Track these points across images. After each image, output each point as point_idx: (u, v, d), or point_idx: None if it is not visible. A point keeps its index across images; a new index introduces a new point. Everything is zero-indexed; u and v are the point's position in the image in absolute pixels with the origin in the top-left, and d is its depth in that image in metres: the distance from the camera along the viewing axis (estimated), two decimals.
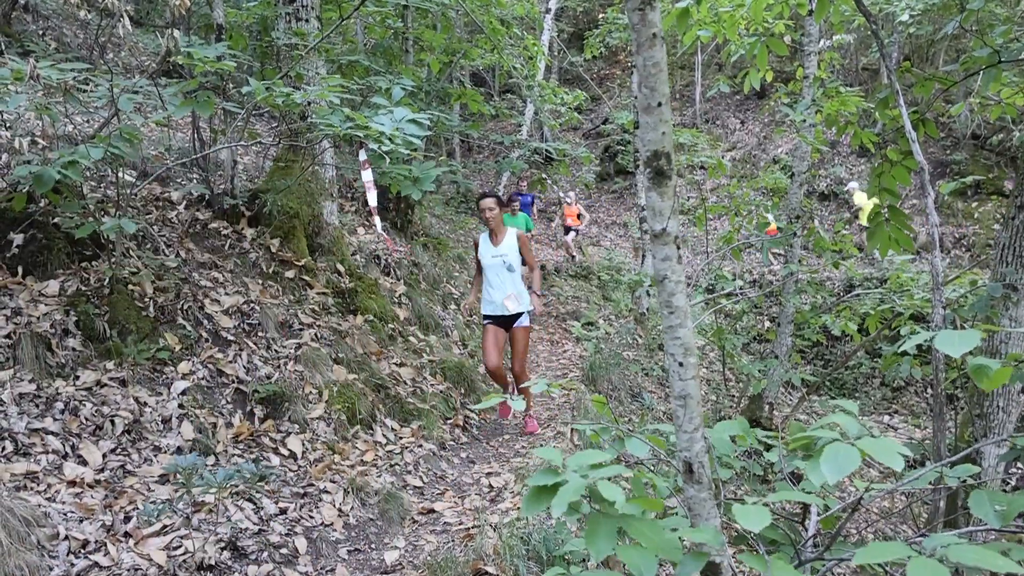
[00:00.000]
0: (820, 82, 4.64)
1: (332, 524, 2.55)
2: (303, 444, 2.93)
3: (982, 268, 7.68)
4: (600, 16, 10.48)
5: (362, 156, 2.39)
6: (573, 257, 10.08)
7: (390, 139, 2.51)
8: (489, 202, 3.65)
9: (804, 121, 4.27)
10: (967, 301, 3.63)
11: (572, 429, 3.26)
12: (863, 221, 9.59)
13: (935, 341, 1.05)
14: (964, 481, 1.27)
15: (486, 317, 3.82)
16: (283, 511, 2.51)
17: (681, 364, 1.12)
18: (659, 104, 1.09)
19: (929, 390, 7.40)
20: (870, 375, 8.03)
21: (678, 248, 1.13)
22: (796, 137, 4.84)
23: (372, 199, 2.89)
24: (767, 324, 8.13)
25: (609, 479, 0.94)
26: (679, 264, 1.13)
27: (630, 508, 0.94)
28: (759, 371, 4.47)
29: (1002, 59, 2.46)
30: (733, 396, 5.30)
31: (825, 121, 4.12)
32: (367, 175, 2.42)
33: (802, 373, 4.71)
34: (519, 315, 3.76)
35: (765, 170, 12.34)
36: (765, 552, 1.08)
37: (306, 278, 4.01)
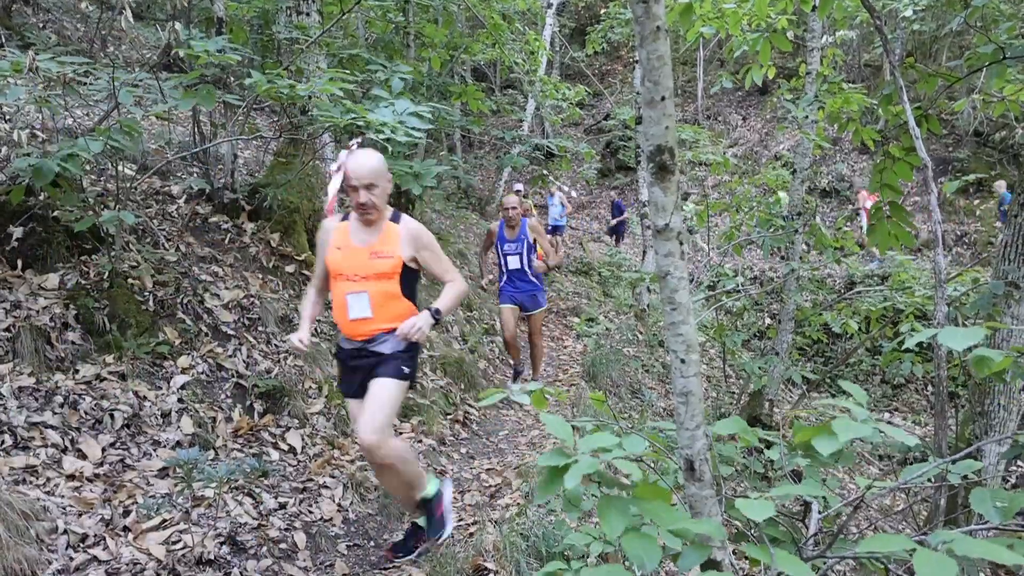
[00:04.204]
0: (823, 78, 4.61)
1: (331, 519, 2.55)
2: (303, 439, 2.93)
3: (984, 266, 7.67)
4: (602, 11, 10.42)
5: (354, 144, 2.24)
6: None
7: (391, 130, 2.50)
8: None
9: (806, 117, 4.24)
10: (969, 299, 3.62)
11: (573, 428, 3.26)
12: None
13: (939, 336, 1.04)
14: (966, 478, 1.27)
15: None
16: (282, 506, 2.51)
17: (683, 361, 1.12)
18: (663, 98, 1.07)
19: (929, 388, 7.41)
20: (871, 372, 8.04)
21: (681, 244, 1.12)
22: (798, 133, 4.81)
23: (334, 186, 2.32)
24: (768, 321, 8.13)
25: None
26: (682, 260, 1.12)
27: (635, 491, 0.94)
28: (759, 368, 4.46)
29: (1006, 56, 2.44)
30: (733, 393, 5.31)
31: (828, 118, 4.11)
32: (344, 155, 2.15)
33: (803, 370, 4.70)
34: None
35: (767, 166, 12.31)
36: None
37: (306, 273, 4.00)
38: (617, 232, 11.19)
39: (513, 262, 4.22)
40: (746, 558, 1.08)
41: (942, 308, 2.20)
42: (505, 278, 4.29)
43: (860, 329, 4.69)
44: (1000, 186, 9.41)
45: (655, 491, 1.00)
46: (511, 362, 4.51)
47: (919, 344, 1.24)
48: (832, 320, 4.72)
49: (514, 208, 4.16)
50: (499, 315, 4.55)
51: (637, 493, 0.96)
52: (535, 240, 4.27)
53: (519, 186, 9.07)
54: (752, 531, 1.32)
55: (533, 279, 4.27)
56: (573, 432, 1.03)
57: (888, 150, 2.81)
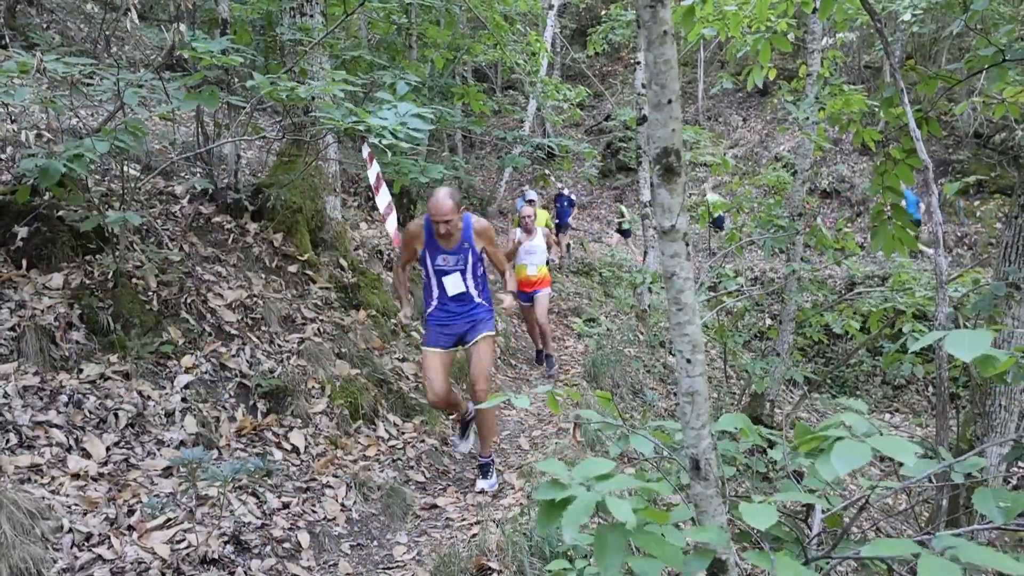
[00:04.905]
0: (823, 80, 4.63)
1: (335, 519, 2.56)
2: (306, 439, 2.94)
3: (984, 267, 7.69)
4: (603, 13, 10.46)
5: (365, 151, 2.36)
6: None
7: (392, 133, 2.51)
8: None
9: (807, 119, 4.26)
10: (970, 300, 3.63)
11: (575, 425, 3.27)
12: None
13: (945, 343, 1.04)
14: (969, 476, 1.28)
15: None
16: (286, 505, 2.52)
17: (689, 361, 1.13)
18: (669, 101, 1.08)
19: (931, 389, 7.42)
20: (871, 373, 8.05)
21: (687, 245, 1.13)
22: (799, 135, 4.83)
23: (382, 199, 2.64)
24: (768, 322, 8.14)
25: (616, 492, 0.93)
26: (688, 261, 1.13)
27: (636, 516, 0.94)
28: (760, 369, 4.47)
29: (1006, 58, 2.46)
30: (734, 393, 5.32)
31: (828, 119, 4.12)
32: (373, 170, 2.33)
33: (803, 371, 4.72)
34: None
35: (767, 167, 12.33)
36: (770, 550, 1.08)
37: (309, 273, 4.02)
38: (561, 222, 10.56)
39: (453, 285, 2.71)
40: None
41: (943, 309, 2.22)
42: (436, 304, 2.78)
43: (861, 329, 4.71)
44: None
45: (652, 514, 0.99)
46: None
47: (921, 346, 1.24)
48: (833, 321, 4.74)
49: (446, 220, 2.60)
50: (422, 363, 2.82)
51: (637, 512, 0.95)
52: (483, 249, 2.79)
53: (532, 195, 7.33)
54: (755, 531, 1.33)
55: (480, 300, 2.82)
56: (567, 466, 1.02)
57: (889, 152, 2.83)
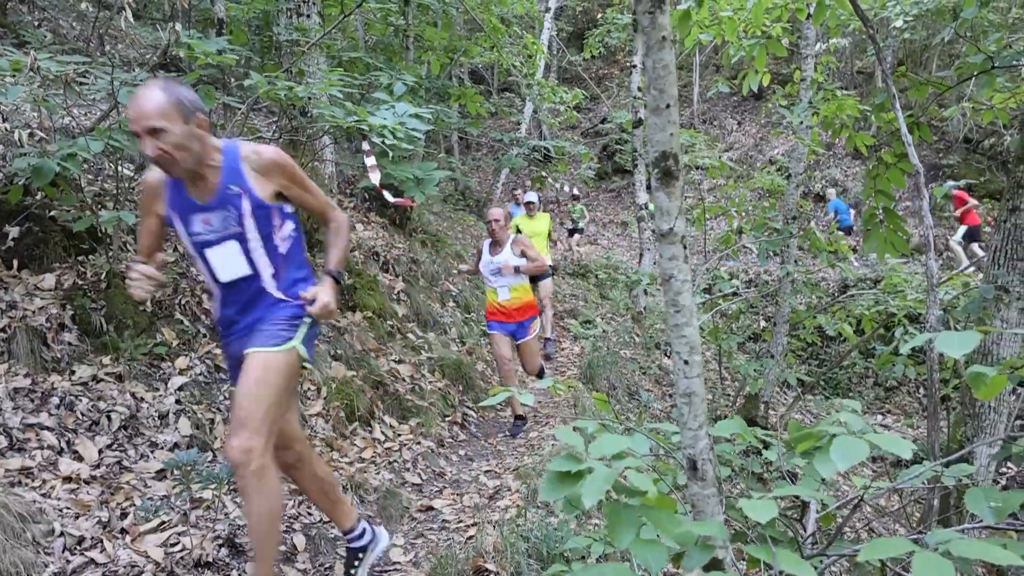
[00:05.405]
0: (817, 85, 4.69)
1: (331, 521, 2.55)
2: None
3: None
4: (599, 16, 10.52)
5: (365, 146, 2.41)
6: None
7: (392, 132, 2.52)
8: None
9: (801, 123, 4.30)
10: (960, 302, 3.68)
11: (574, 428, 3.28)
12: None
13: (936, 342, 1.07)
14: (960, 481, 1.30)
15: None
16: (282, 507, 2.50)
17: (686, 362, 1.14)
18: (668, 106, 1.10)
19: (922, 390, 7.50)
20: (864, 375, 8.13)
21: (684, 247, 1.14)
22: (793, 139, 4.88)
23: (375, 178, 2.77)
24: (763, 324, 8.20)
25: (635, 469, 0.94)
26: (685, 263, 1.14)
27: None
28: (755, 370, 4.51)
29: (995, 65, 2.50)
30: (729, 395, 5.35)
31: (822, 123, 4.17)
32: (370, 160, 2.44)
33: (797, 372, 4.76)
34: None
35: (762, 171, 12.44)
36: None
37: None
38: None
39: (225, 263, 1.61)
40: (744, 558, 1.10)
41: (935, 312, 2.25)
42: (219, 299, 1.70)
43: (854, 331, 4.76)
44: (831, 194, 10.19)
45: (662, 500, 1.00)
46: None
47: (912, 347, 1.27)
48: (826, 323, 4.79)
49: (152, 131, 1.46)
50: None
51: (645, 500, 0.97)
52: (280, 194, 1.62)
53: (531, 196, 6.61)
54: (751, 531, 1.34)
55: (281, 296, 1.65)
56: (582, 440, 1.03)
57: (881, 156, 2.86)
